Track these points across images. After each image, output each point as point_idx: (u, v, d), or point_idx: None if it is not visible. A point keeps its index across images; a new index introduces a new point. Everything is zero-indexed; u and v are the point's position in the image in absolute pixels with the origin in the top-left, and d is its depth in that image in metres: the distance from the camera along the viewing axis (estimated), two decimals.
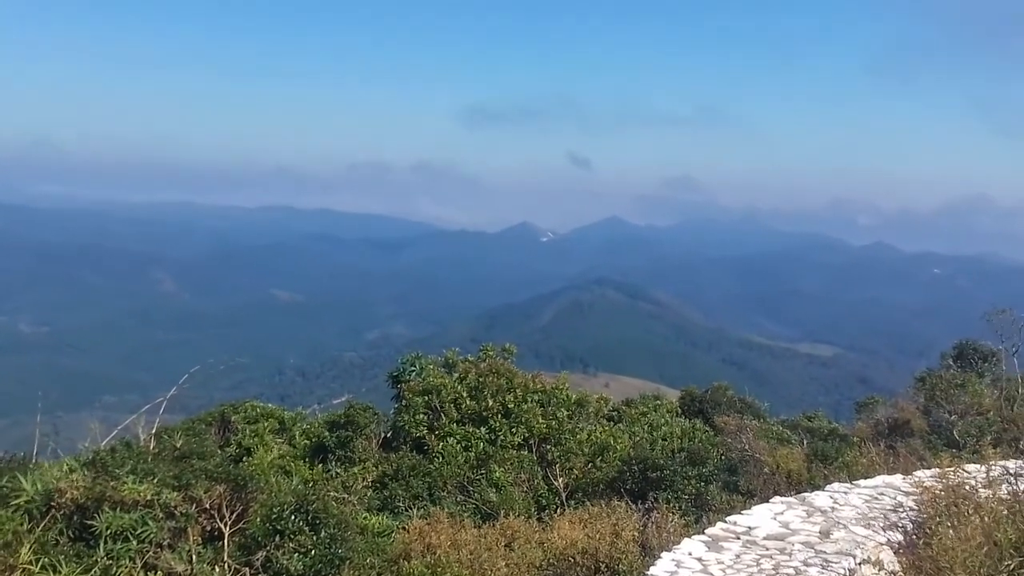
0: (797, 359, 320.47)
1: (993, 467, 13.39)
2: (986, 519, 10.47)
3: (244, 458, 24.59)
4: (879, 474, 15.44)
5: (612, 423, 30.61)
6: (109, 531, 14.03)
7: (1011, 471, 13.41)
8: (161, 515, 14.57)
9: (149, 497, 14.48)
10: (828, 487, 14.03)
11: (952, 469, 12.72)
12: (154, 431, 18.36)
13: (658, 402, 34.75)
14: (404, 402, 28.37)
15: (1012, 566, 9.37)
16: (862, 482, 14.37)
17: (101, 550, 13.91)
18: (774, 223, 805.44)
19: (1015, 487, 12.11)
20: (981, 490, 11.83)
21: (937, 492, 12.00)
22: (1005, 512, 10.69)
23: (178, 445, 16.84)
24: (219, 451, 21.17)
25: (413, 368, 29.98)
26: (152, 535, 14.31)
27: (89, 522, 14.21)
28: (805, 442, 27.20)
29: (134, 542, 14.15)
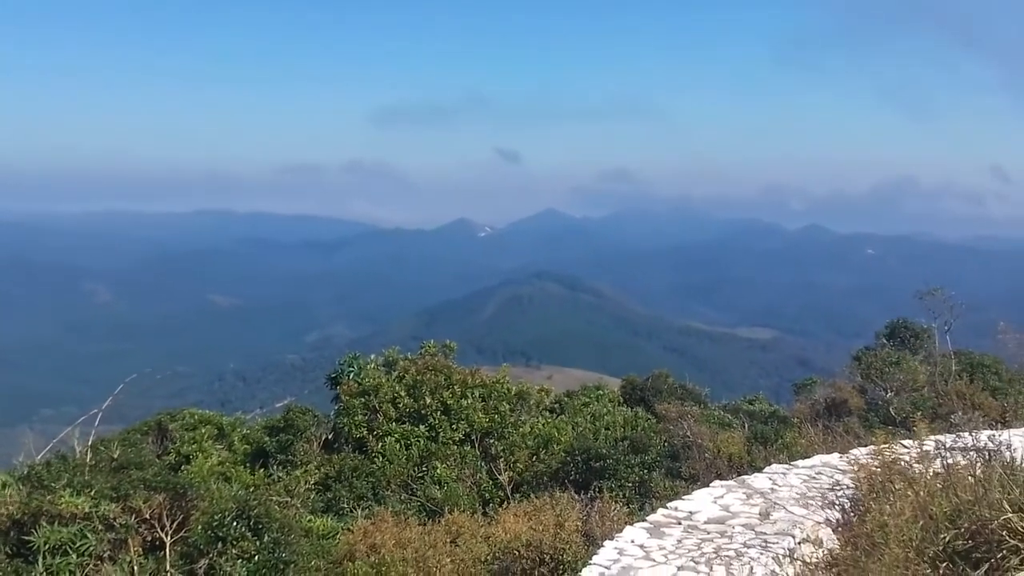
0: (737, 343, 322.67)
1: (926, 442, 13.60)
2: (921, 493, 10.60)
3: (183, 466, 24.38)
4: (817, 454, 15.58)
5: (555, 415, 30.66)
6: (47, 546, 13.87)
7: (945, 445, 13.62)
8: (100, 527, 14.42)
9: (87, 510, 14.33)
10: (767, 469, 14.14)
11: (887, 446, 12.86)
12: (90, 443, 18.15)
13: (600, 392, 34.83)
14: (342, 404, 28.26)
15: (947, 539, 9.49)
16: (800, 462, 14.51)
17: (40, 565, 13.74)
18: (709, 211, 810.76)
19: (948, 461, 12.30)
20: (915, 465, 12.00)
21: (872, 469, 12.15)
22: (939, 486, 10.83)
23: (115, 456, 16.67)
24: (157, 460, 20.98)
25: (352, 369, 29.83)
26: (91, 548, 14.16)
27: (26, 538, 14.03)
28: (746, 425, 27.46)
29: (73, 556, 14.00)
